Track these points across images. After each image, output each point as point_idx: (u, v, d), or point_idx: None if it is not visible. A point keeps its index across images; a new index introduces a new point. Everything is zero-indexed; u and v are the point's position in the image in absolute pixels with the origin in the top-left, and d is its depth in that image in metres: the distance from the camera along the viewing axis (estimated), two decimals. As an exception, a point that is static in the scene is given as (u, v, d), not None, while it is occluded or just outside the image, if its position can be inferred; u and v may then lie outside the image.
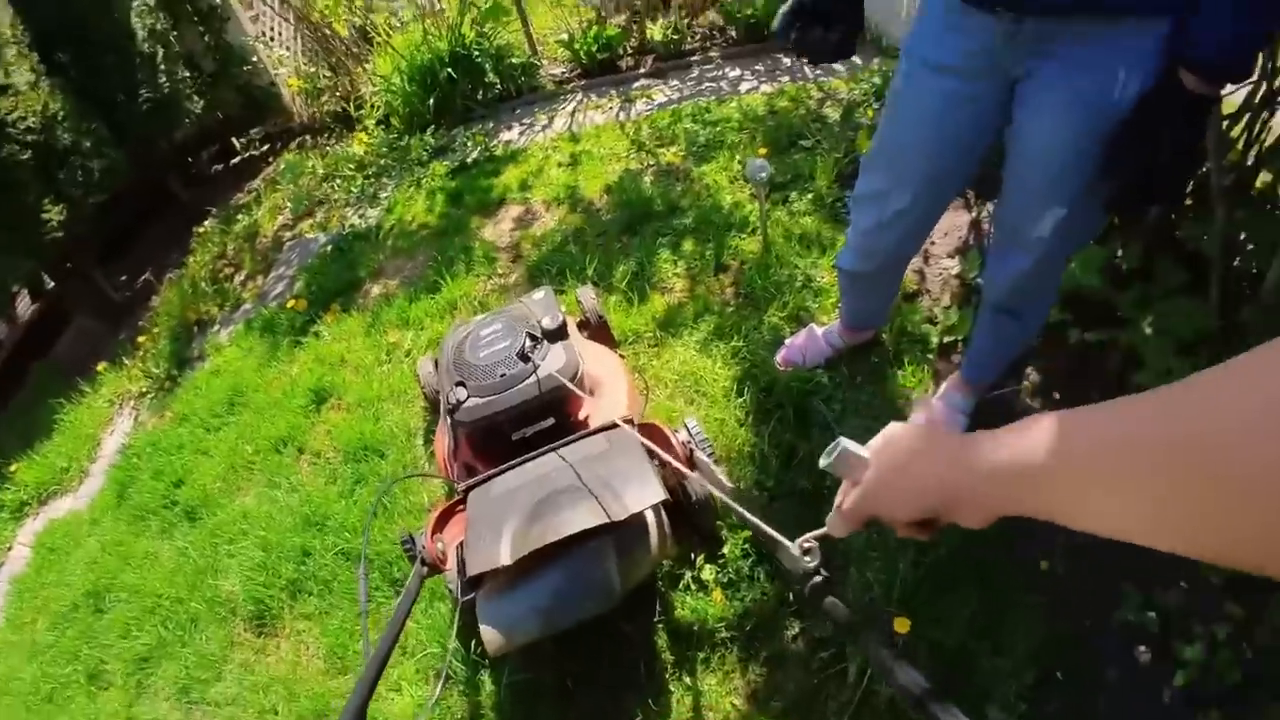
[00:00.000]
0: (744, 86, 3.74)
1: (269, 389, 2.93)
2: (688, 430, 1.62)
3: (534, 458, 1.54)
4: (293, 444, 2.64)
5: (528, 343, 1.70)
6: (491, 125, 4.18)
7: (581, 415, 1.75)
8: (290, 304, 3.31)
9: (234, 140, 5.51)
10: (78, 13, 3.97)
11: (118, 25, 4.15)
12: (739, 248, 2.65)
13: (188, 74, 4.69)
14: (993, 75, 1.27)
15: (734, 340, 2.31)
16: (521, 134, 4.01)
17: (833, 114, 3.21)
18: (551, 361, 1.67)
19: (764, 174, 2.30)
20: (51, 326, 4.42)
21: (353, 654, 2.01)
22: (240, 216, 4.37)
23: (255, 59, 4.91)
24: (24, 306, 4.38)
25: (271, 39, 5.10)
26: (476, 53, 4.24)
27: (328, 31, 4.77)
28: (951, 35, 1.27)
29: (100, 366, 3.68)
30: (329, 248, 3.66)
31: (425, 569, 1.42)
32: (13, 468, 3.35)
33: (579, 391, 1.63)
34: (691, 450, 1.55)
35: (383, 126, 4.47)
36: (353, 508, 2.31)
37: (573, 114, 4.02)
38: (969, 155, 1.44)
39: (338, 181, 4.17)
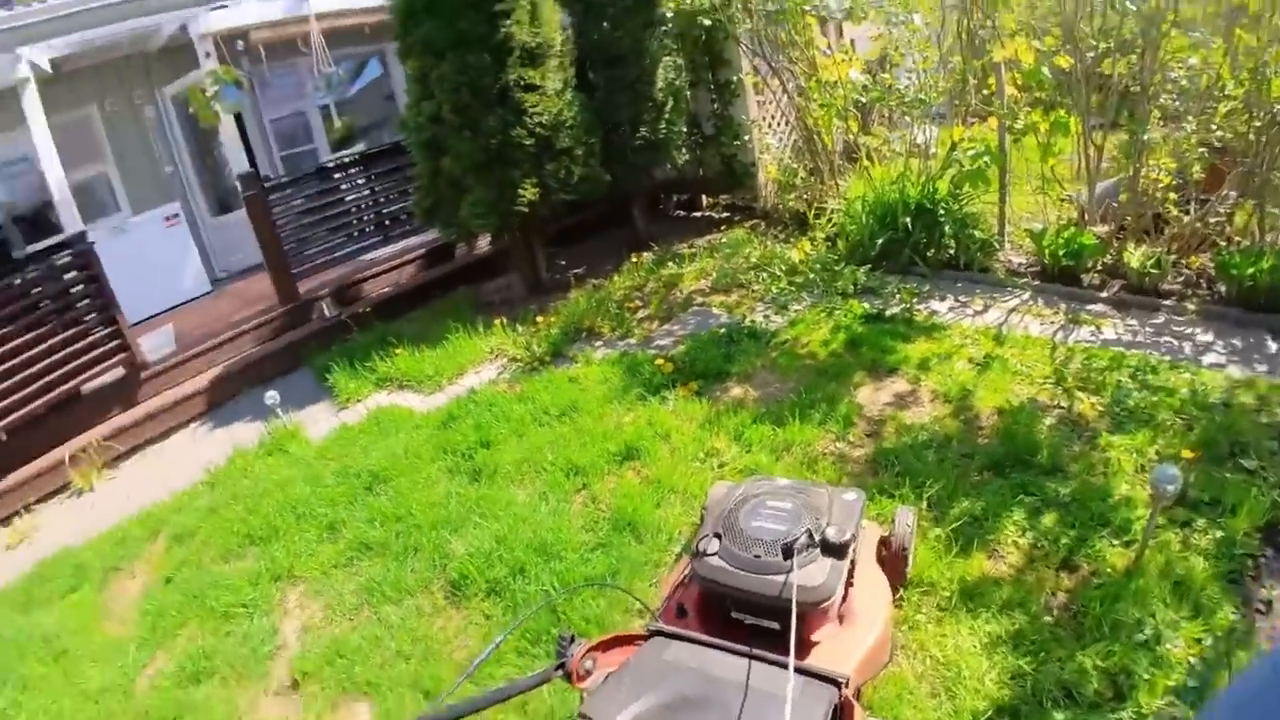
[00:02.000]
0: (1208, 359, 3.13)
1: (598, 420, 3.18)
2: None
3: (729, 650, 1.46)
4: (581, 477, 2.84)
5: (801, 540, 1.57)
6: (926, 288, 4.07)
7: (813, 636, 1.61)
8: (659, 361, 3.48)
9: (704, 197, 6.14)
10: (619, 50, 4.83)
11: (645, 70, 4.94)
12: (1101, 554, 2.23)
13: (684, 129, 5.36)
14: None
15: (1026, 658, 1.94)
16: (951, 310, 3.84)
17: (1303, 438, 2.55)
18: (809, 575, 1.54)
19: (1170, 487, 1.95)
20: (491, 268, 5.44)
21: (491, 678, 2.08)
22: (671, 264, 4.88)
23: (747, 137, 5.42)
24: (482, 243, 5.57)
25: (768, 127, 5.53)
26: (942, 212, 4.12)
27: (817, 139, 5.00)
28: None
29: (499, 320, 4.39)
30: (723, 330, 3.88)
31: (558, 673, 1.39)
32: (397, 350, 4.19)
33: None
34: None
35: (829, 244, 4.54)
36: (580, 565, 2.45)
37: (1010, 311, 3.72)
38: None
39: (764, 275, 4.41)
